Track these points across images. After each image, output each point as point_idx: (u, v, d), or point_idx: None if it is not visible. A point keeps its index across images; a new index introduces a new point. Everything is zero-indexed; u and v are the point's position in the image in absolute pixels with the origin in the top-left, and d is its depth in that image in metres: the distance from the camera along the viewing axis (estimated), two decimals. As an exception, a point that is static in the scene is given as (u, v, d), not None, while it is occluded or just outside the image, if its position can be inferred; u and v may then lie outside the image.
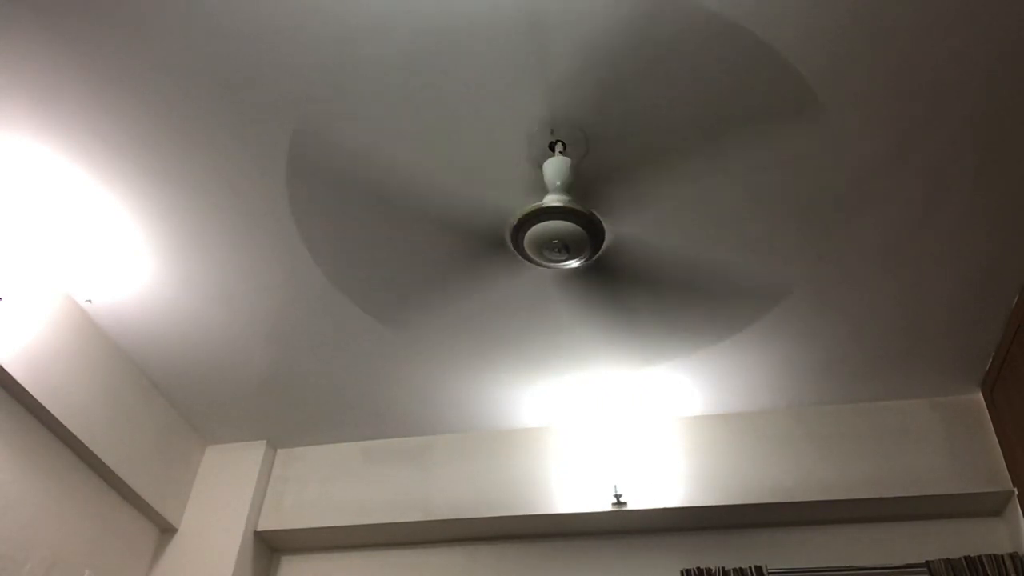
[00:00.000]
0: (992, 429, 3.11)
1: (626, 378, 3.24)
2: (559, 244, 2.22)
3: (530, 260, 2.31)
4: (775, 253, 2.64)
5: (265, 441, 3.66)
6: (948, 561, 2.91)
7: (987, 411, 3.15)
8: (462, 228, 2.59)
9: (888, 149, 2.31)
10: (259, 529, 3.47)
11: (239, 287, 2.87)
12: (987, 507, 3.07)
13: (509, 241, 2.30)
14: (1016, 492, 2.94)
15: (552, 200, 2.19)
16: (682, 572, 3.08)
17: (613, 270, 2.72)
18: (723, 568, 3.05)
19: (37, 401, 2.75)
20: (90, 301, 2.96)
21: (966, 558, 2.90)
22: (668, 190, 2.44)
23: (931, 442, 3.13)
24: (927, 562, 2.94)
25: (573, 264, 2.32)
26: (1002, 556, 2.87)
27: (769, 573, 3.06)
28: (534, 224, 2.20)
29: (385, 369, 3.23)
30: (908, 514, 3.13)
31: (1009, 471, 2.98)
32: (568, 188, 2.25)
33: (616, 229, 2.56)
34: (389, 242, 2.66)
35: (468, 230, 2.59)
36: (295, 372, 3.27)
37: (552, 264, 2.32)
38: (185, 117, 2.30)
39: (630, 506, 3.20)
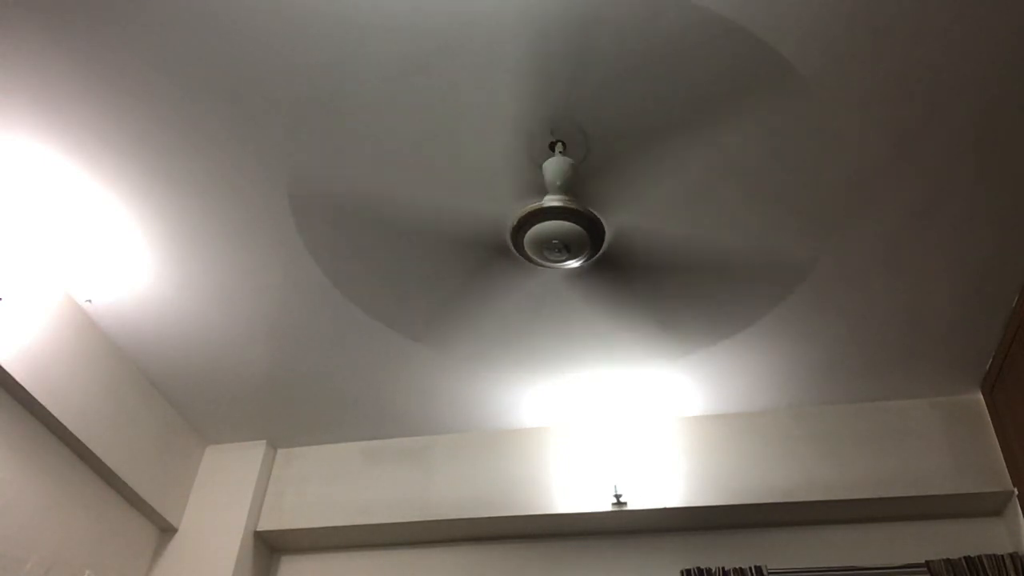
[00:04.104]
0: (992, 429, 3.11)
1: (626, 378, 3.24)
2: (559, 244, 2.22)
3: (530, 260, 2.31)
4: (775, 253, 2.64)
5: (265, 441, 3.66)
6: (948, 561, 2.91)
7: (987, 411, 3.15)
8: (462, 228, 2.59)
9: (888, 149, 2.31)
10: (259, 529, 3.47)
11: (239, 287, 2.87)
12: (987, 507, 3.07)
13: (509, 241, 2.30)
14: (1016, 492, 2.94)
15: (552, 200, 2.19)
16: (682, 572, 3.08)
17: (613, 270, 2.72)
18: (723, 568, 3.05)
19: (37, 401, 2.75)
20: (90, 301, 2.96)
21: (966, 558, 2.90)
22: (668, 190, 2.44)
23: (931, 442, 3.13)
24: (927, 562, 2.94)
25: (573, 264, 2.32)
26: (1002, 556, 2.87)
27: (769, 573, 3.06)
28: (534, 224, 2.20)
29: (385, 369, 3.23)
30: (908, 514, 3.14)
31: (1009, 471, 2.98)
32: (568, 188, 2.25)
33: (616, 229, 2.56)
34: (389, 242, 2.66)
35: (468, 230, 2.60)
36: (295, 372, 3.27)
37: (552, 264, 2.32)
38: (186, 117, 2.30)
39: (630, 506, 3.20)
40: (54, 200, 2.56)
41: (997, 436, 3.08)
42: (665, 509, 3.19)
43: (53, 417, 2.82)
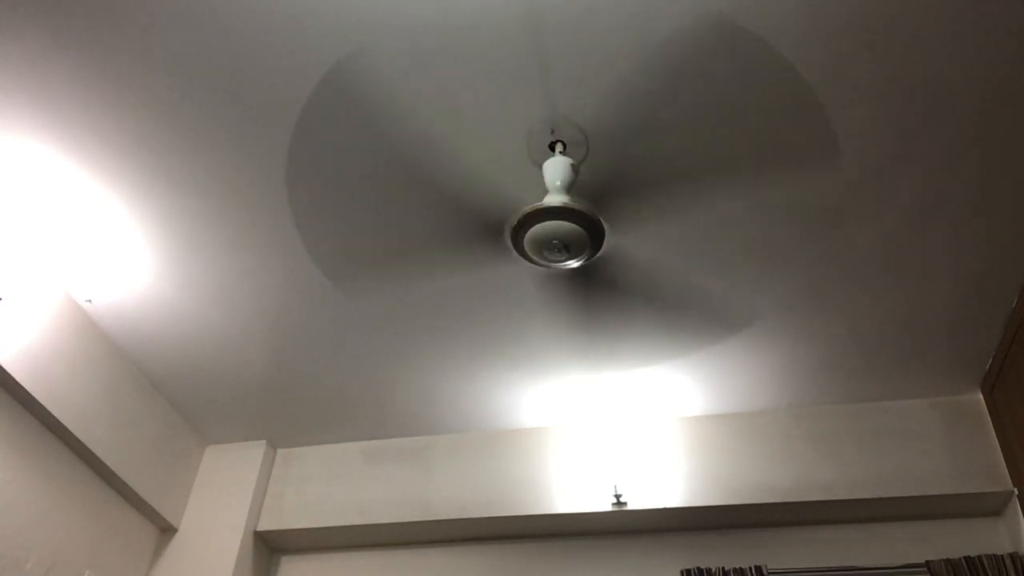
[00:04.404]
0: (992, 429, 3.11)
1: (626, 378, 3.24)
2: (559, 244, 2.22)
3: (530, 260, 2.31)
4: (775, 253, 2.64)
5: (265, 441, 3.66)
6: (948, 561, 2.91)
7: (987, 411, 3.15)
8: (462, 228, 2.59)
9: (888, 149, 2.31)
10: (259, 529, 3.47)
11: (239, 287, 2.87)
12: (987, 507, 3.07)
13: (509, 241, 2.30)
14: (1016, 492, 2.94)
15: (552, 200, 2.19)
16: (682, 572, 3.08)
17: (613, 270, 2.72)
18: (723, 568, 3.05)
19: (37, 401, 2.75)
20: (90, 301, 2.96)
21: (966, 558, 2.90)
22: (668, 189, 2.44)
23: (931, 442, 3.13)
24: (927, 562, 2.94)
25: (573, 264, 2.32)
26: (1002, 556, 2.87)
27: (769, 573, 3.06)
28: (534, 224, 2.20)
29: (385, 369, 3.23)
30: (908, 514, 3.13)
31: (1009, 471, 2.98)
32: (568, 188, 2.25)
33: (616, 229, 2.56)
34: (390, 242, 2.66)
35: (468, 230, 2.60)
36: (295, 372, 3.27)
37: (552, 264, 2.32)
38: (186, 117, 2.30)
39: (630, 506, 3.20)
40: (54, 200, 2.56)
41: (997, 436, 3.08)
42: (665, 509, 3.19)
43: (53, 417, 2.82)
